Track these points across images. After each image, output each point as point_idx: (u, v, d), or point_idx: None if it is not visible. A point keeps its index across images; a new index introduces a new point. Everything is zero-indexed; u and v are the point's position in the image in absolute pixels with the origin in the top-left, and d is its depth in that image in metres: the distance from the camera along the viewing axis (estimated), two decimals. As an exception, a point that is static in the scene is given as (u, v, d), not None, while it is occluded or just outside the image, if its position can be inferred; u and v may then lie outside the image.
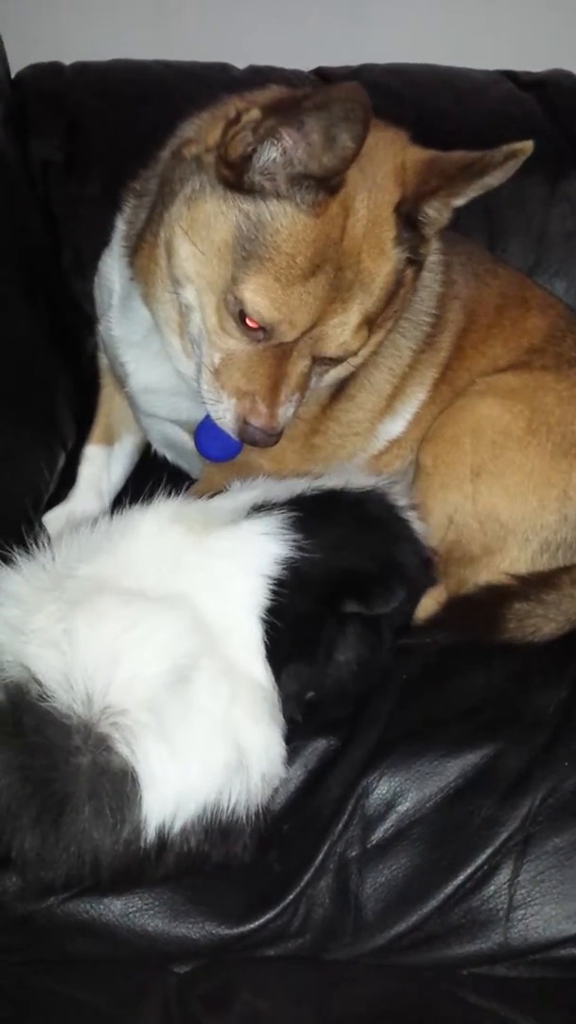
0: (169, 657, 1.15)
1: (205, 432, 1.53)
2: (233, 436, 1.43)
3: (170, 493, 1.32)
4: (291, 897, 1.27)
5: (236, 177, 1.33)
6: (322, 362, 1.44)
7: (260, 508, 1.31)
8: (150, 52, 2.18)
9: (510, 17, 2.37)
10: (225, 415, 1.42)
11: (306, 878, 1.28)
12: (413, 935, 1.27)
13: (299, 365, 1.40)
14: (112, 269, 1.65)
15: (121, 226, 1.63)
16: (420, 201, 1.38)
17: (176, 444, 1.73)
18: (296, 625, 1.25)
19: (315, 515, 1.30)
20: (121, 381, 1.69)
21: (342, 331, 1.38)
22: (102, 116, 2.07)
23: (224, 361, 1.40)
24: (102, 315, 1.70)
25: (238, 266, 1.33)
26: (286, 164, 1.29)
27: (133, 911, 1.25)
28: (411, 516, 1.39)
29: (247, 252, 1.32)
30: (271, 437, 1.42)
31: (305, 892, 1.28)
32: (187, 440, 1.65)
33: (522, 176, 1.39)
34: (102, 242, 1.70)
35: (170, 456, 1.81)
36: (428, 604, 1.51)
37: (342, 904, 1.28)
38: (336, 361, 1.45)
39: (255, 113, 1.31)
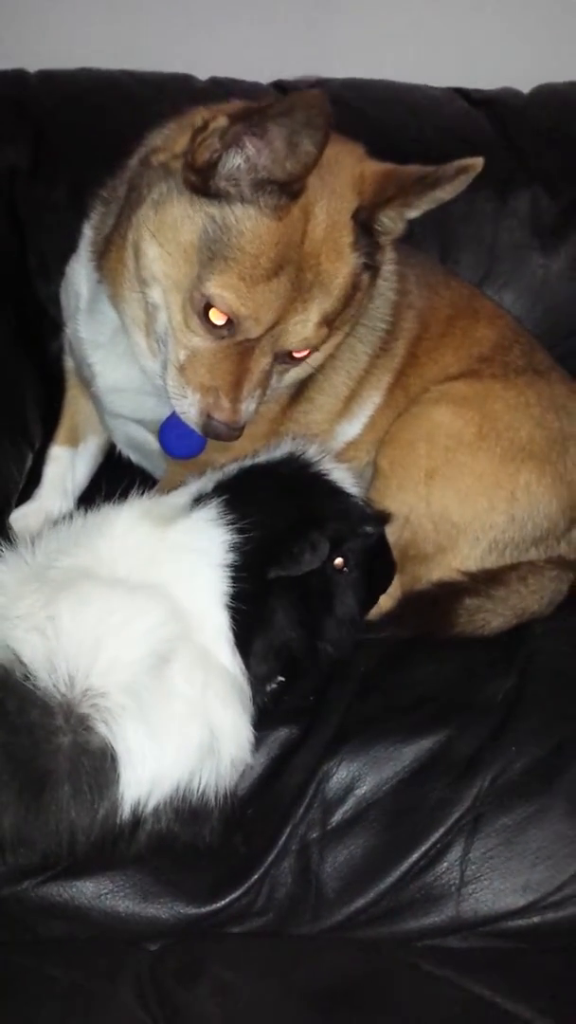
0: (149, 643, 1.19)
1: (169, 430, 1.56)
2: (197, 430, 1.46)
3: (142, 493, 1.37)
4: (255, 877, 1.32)
5: (202, 182, 1.37)
6: (283, 360, 1.48)
7: (198, 500, 1.36)
8: (112, 62, 2.20)
9: (464, 35, 2.42)
10: (189, 410, 1.45)
11: (269, 859, 1.33)
12: (371, 910, 1.33)
13: (261, 362, 1.44)
14: (79, 274, 1.68)
15: (88, 232, 1.67)
16: (376, 209, 1.43)
17: (141, 445, 1.77)
18: (250, 607, 1.30)
19: (238, 495, 1.35)
20: (88, 382, 1.72)
21: (303, 328, 1.43)
22: (68, 123, 2.09)
23: (189, 358, 1.44)
24: (69, 318, 1.73)
25: (204, 266, 1.37)
26: (250, 170, 1.34)
27: (104, 893, 1.29)
28: (331, 468, 1.42)
29: (212, 253, 1.37)
30: (234, 431, 1.45)
31: (269, 872, 1.33)
32: (151, 440, 1.68)
33: (472, 191, 1.44)
34: (68, 247, 1.73)
35: (134, 457, 1.84)
36: (384, 601, 1.56)
37: (304, 883, 1.33)
38: (296, 360, 1.49)
39: (222, 120, 1.36)
